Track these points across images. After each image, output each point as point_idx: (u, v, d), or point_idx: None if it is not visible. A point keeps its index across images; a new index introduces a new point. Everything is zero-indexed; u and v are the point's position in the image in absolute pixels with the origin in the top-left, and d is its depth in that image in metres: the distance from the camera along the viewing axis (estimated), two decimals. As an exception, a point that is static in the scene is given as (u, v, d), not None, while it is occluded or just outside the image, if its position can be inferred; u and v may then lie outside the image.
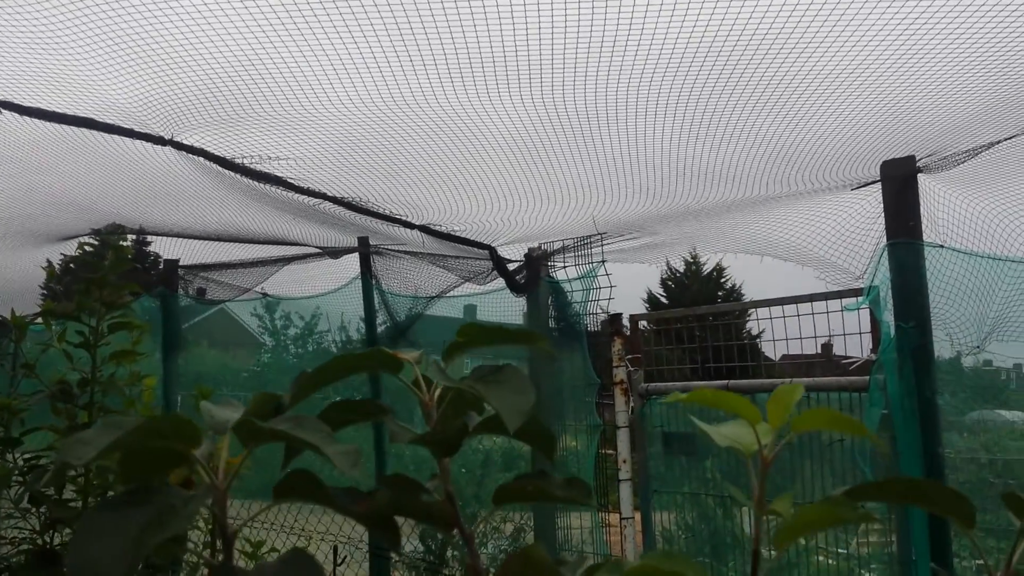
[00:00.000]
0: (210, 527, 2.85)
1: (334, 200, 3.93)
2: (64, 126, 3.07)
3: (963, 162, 3.83)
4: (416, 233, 4.65)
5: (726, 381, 4.55)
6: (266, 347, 10.26)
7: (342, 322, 7.93)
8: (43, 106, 2.98)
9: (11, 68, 2.90)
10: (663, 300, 25.27)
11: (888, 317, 3.82)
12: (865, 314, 4.26)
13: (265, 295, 7.58)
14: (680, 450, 4.90)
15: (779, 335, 4.65)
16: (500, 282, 5.45)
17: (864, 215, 4.22)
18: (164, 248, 6.22)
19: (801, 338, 4.65)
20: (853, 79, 3.18)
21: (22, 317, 2.81)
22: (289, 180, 3.58)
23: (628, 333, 5.28)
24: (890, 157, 3.87)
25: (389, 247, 5.48)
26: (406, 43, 2.87)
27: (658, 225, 4.70)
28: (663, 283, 25.69)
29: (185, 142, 3.23)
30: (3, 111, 2.98)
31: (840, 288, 4.27)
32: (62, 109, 3.04)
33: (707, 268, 24.49)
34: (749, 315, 5.03)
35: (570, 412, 5.56)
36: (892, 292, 3.81)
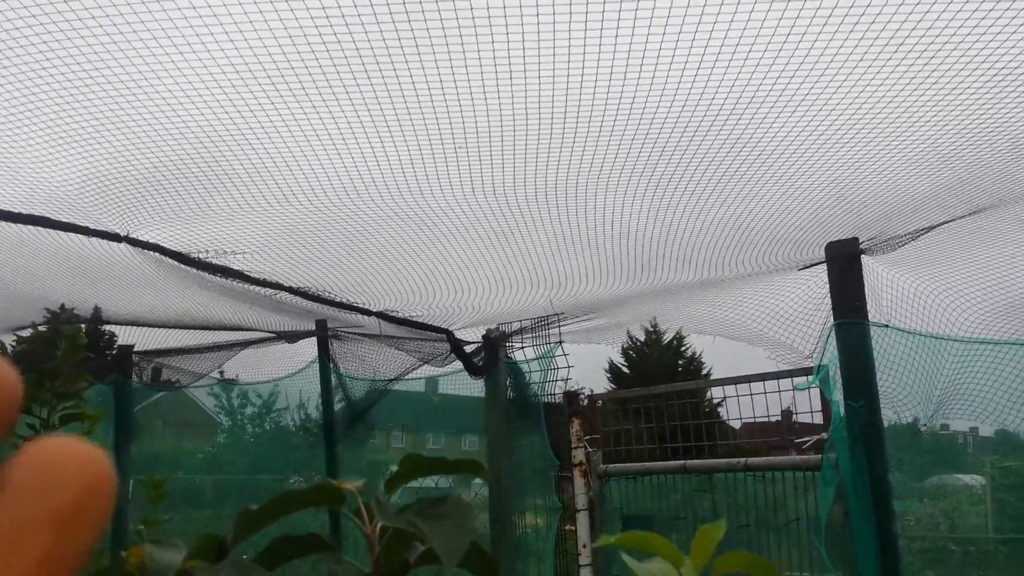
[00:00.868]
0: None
1: (291, 290, 3.95)
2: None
3: (905, 244, 3.97)
4: (374, 319, 4.68)
5: (683, 462, 4.58)
6: (222, 427, 10.09)
7: (300, 400, 7.86)
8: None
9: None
10: (624, 370, 25.36)
11: (838, 396, 3.89)
12: (817, 391, 4.33)
13: (222, 378, 7.51)
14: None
15: (736, 403, 4.71)
16: (459, 363, 5.46)
17: (812, 295, 4.34)
18: (119, 331, 6.15)
19: (755, 414, 4.71)
20: (799, 164, 3.30)
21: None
22: (246, 273, 3.60)
23: (587, 412, 5.31)
24: (834, 239, 3.99)
25: (346, 330, 5.49)
26: (357, 138, 2.93)
27: (613, 307, 4.78)
28: (624, 352, 25.82)
29: (140, 237, 3.25)
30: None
31: (791, 367, 4.35)
32: (7, 202, 3.04)
33: (667, 337, 24.69)
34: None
35: (530, 491, 5.54)
36: (841, 371, 3.88)
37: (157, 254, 3.33)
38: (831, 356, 3.91)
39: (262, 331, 5.45)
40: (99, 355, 9.19)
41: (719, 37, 2.39)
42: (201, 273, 3.52)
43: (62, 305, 4.48)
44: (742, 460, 4.27)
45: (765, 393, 4.40)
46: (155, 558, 0.90)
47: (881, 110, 2.83)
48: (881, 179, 3.41)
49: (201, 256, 3.39)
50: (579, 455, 4.93)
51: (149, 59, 2.43)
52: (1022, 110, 2.80)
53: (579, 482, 4.93)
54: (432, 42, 2.39)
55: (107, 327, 7.95)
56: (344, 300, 4.20)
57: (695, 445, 4.84)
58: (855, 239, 3.95)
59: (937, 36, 2.39)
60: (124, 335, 6.23)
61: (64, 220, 3.02)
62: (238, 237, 3.39)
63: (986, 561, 9.44)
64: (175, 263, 3.41)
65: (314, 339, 5.74)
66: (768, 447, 6.17)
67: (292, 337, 5.56)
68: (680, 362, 25.24)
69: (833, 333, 3.91)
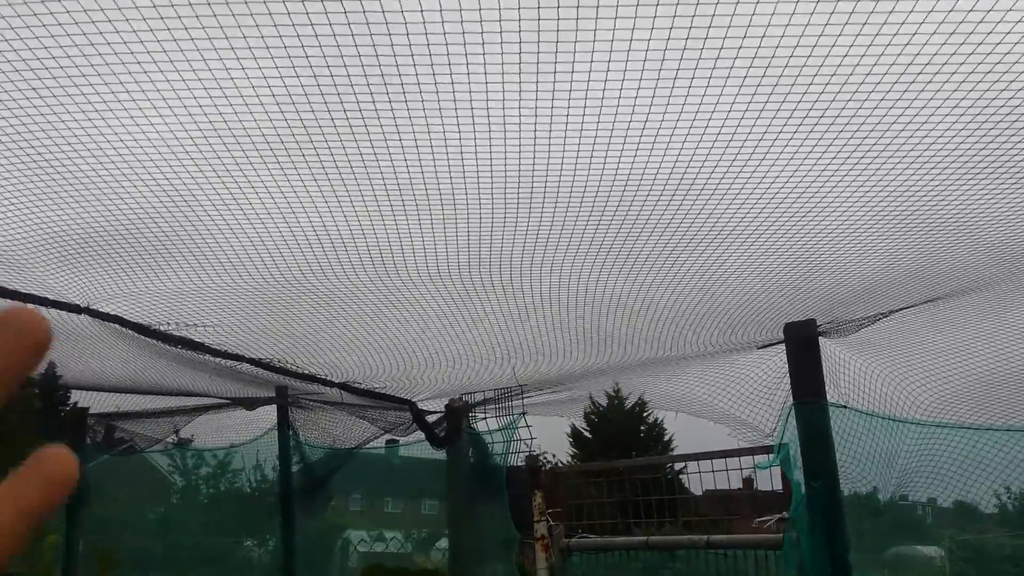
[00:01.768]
0: None
1: (253, 362, 3.92)
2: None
3: (863, 327, 4.04)
4: (336, 389, 4.64)
5: (646, 538, 4.56)
6: (176, 486, 9.83)
7: (257, 461, 7.72)
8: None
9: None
10: (586, 434, 25.21)
11: (799, 475, 3.91)
12: (778, 469, 4.35)
13: (179, 441, 7.36)
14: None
15: (699, 475, 4.69)
16: (421, 433, 5.42)
17: (772, 374, 4.38)
18: (75, 392, 6.04)
19: (716, 485, 4.70)
20: (758, 248, 3.36)
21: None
22: (208, 344, 3.57)
23: (549, 484, 5.27)
24: (793, 320, 4.05)
25: (307, 398, 5.43)
26: (321, 214, 2.95)
27: (576, 380, 4.80)
28: (586, 416, 25.67)
29: (101, 309, 3.21)
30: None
31: (752, 445, 4.38)
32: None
33: (630, 403, 24.63)
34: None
35: (490, 559, 5.47)
36: (801, 450, 3.90)
37: (117, 325, 3.30)
38: (791, 435, 3.94)
39: (221, 398, 5.38)
40: (53, 412, 8.97)
41: (691, 129, 2.45)
42: (161, 344, 3.48)
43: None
44: (704, 537, 4.26)
45: (727, 470, 4.41)
46: None
47: (842, 203, 2.91)
48: (839, 266, 3.49)
49: (162, 328, 3.36)
50: (541, 529, 4.88)
51: (102, 126, 2.42)
52: (976, 205, 2.90)
53: (540, 555, 4.87)
54: (396, 119, 2.42)
55: (63, 381, 7.78)
56: (307, 371, 4.17)
57: (657, 521, 4.82)
58: (812, 321, 4.01)
59: (895, 136, 2.48)
60: (80, 396, 6.12)
61: (24, 291, 2.98)
62: (199, 310, 3.37)
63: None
64: (135, 334, 3.38)
65: (274, 405, 5.66)
66: (731, 520, 6.17)
67: (251, 404, 5.48)
68: (643, 427, 25.16)
69: (792, 412, 3.94)
